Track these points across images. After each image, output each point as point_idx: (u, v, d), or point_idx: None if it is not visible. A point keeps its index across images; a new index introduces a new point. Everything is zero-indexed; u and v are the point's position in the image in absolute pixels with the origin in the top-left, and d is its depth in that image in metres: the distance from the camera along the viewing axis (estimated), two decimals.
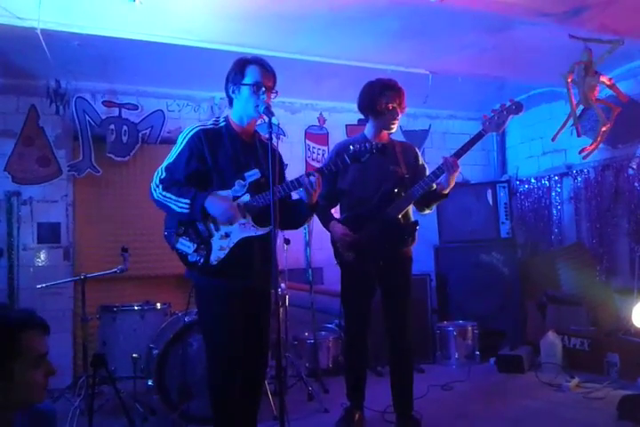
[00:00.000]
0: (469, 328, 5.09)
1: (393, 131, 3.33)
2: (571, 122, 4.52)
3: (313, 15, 3.70)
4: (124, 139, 4.97)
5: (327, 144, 5.73)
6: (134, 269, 4.15)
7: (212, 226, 2.53)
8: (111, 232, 4.89)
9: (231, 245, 2.51)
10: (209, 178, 2.56)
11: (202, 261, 2.50)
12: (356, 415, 3.32)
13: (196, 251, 2.51)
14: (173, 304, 4.17)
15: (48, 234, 4.75)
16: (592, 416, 3.46)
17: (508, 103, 3.07)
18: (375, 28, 3.94)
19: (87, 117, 4.88)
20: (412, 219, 3.32)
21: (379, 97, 3.24)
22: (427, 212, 3.41)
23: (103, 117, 4.95)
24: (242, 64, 2.60)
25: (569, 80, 4.29)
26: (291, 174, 2.76)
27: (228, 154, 2.58)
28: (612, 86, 4.39)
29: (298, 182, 2.53)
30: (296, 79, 4.60)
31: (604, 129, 4.40)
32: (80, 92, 4.87)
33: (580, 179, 5.43)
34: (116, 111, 5.02)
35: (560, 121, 4.67)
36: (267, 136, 2.39)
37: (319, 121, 5.83)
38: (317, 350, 4.62)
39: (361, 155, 2.57)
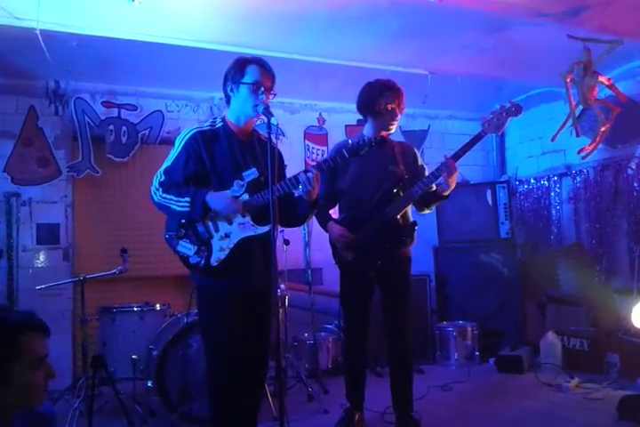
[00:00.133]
0: (469, 329, 5.09)
1: (392, 131, 3.32)
2: (570, 122, 4.52)
3: (312, 15, 3.70)
4: (124, 139, 4.97)
5: (326, 144, 5.73)
6: (134, 270, 4.14)
7: (211, 227, 2.52)
8: (110, 233, 4.88)
9: (231, 245, 2.50)
10: (207, 179, 2.56)
11: (203, 262, 2.50)
12: (356, 416, 3.32)
13: (196, 253, 2.51)
14: (173, 305, 4.17)
15: (47, 235, 4.75)
16: (592, 417, 3.46)
17: (508, 105, 3.06)
18: (374, 29, 3.94)
19: (86, 118, 4.88)
20: (411, 219, 3.32)
21: (378, 98, 3.24)
22: (426, 212, 3.41)
23: (102, 118, 4.94)
24: (242, 63, 2.59)
25: (568, 80, 4.29)
26: (290, 175, 2.74)
27: (226, 155, 2.58)
28: (611, 86, 4.39)
29: (296, 180, 2.52)
30: (295, 79, 4.59)
31: (603, 129, 4.40)
32: (79, 92, 4.87)
33: (579, 179, 5.43)
34: (115, 112, 5.01)
35: (559, 121, 4.67)
36: (266, 135, 2.39)
37: (318, 121, 5.83)
38: (317, 350, 4.62)
39: (359, 148, 2.54)
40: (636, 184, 4.87)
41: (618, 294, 4.88)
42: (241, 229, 2.52)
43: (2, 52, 4.11)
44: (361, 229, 3.19)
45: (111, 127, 4.94)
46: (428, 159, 5.72)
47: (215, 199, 2.46)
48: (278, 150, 2.56)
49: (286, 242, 4.25)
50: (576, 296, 5.06)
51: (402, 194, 3.19)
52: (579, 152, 4.67)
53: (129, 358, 3.63)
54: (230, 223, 2.52)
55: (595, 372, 4.35)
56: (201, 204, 2.44)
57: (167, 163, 2.58)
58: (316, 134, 5.80)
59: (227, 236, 2.51)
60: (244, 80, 2.56)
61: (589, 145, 4.56)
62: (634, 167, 4.88)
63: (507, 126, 3.15)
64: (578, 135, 4.54)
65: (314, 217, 3.19)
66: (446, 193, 3.19)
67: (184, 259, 2.55)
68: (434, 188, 3.20)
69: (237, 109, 2.64)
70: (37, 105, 4.78)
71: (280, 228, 3.56)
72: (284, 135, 5.41)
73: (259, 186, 2.53)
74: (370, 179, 3.27)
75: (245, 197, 2.52)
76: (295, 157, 5.49)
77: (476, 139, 3.08)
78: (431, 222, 5.50)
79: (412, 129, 6.15)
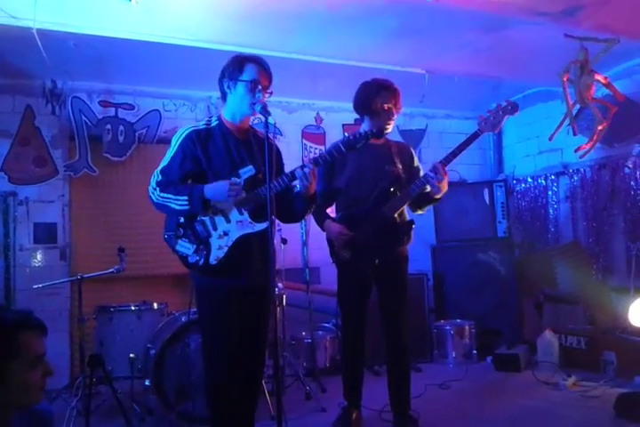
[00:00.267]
0: (466, 327, 5.10)
1: (388, 131, 3.32)
2: (567, 121, 4.53)
3: (310, 14, 3.70)
4: (121, 139, 4.96)
5: (324, 143, 5.73)
6: (131, 270, 4.13)
7: (209, 225, 2.52)
8: (108, 232, 4.87)
9: (230, 243, 2.50)
10: (204, 178, 2.56)
11: (202, 261, 2.50)
12: (354, 414, 3.32)
13: (195, 252, 2.51)
14: (170, 304, 4.17)
15: (44, 234, 4.74)
16: (589, 415, 3.47)
17: (504, 103, 3.07)
18: (372, 28, 3.94)
19: (83, 117, 4.87)
20: (408, 218, 3.33)
21: (374, 97, 3.25)
22: (419, 213, 3.41)
23: (99, 117, 4.94)
24: (240, 60, 2.59)
25: (565, 79, 4.30)
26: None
27: (222, 153, 2.58)
28: (607, 85, 4.40)
29: (292, 175, 2.52)
30: (293, 79, 4.59)
31: (600, 128, 4.41)
32: (76, 91, 4.86)
33: (576, 178, 5.44)
34: (112, 111, 5.01)
35: (556, 120, 4.67)
36: (263, 131, 2.40)
37: (316, 120, 5.83)
38: (315, 349, 4.62)
39: (356, 142, 2.51)
40: (632, 183, 4.87)
41: (615, 292, 4.89)
42: (239, 226, 2.52)
43: None
44: (358, 228, 3.19)
45: (108, 126, 4.93)
46: (426, 158, 5.75)
47: (212, 188, 2.46)
48: (276, 146, 2.55)
49: (284, 241, 4.25)
50: (573, 295, 5.08)
51: (399, 193, 3.19)
52: (576, 150, 4.68)
53: (126, 357, 3.63)
54: (228, 221, 2.52)
55: (592, 370, 4.36)
56: (199, 198, 2.44)
57: (164, 163, 2.58)
58: (313, 133, 5.80)
59: (225, 234, 2.51)
60: (241, 78, 2.56)
61: (587, 143, 4.57)
62: (631, 166, 4.88)
63: (503, 125, 3.15)
64: (575, 134, 4.54)
65: (311, 216, 3.19)
66: (437, 196, 3.20)
67: (183, 258, 2.55)
68: (428, 189, 3.21)
69: (233, 107, 2.63)
70: (34, 104, 4.77)
71: (278, 226, 3.56)
72: (281, 134, 5.42)
73: (256, 183, 2.53)
74: (367, 178, 3.27)
75: (242, 194, 2.52)
76: (293, 156, 5.49)
77: (473, 137, 3.08)
78: (429, 221, 5.51)
79: (409, 128, 6.15)
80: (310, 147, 5.77)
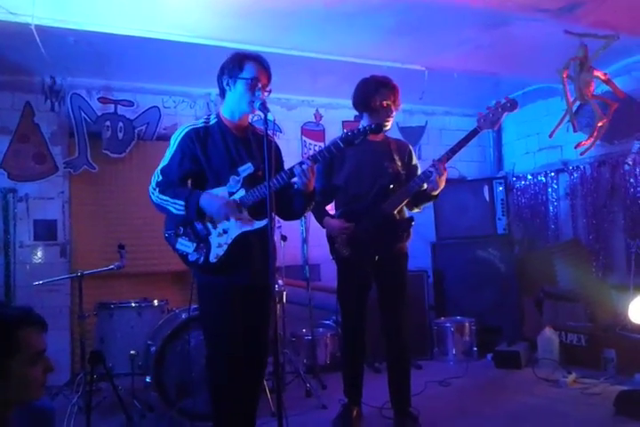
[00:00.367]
0: (467, 324, 5.10)
1: (387, 128, 3.32)
2: (567, 118, 4.52)
3: (308, 11, 3.69)
4: (120, 135, 4.96)
5: (323, 140, 5.73)
6: (131, 266, 4.13)
7: (209, 224, 2.53)
8: (108, 229, 4.87)
9: (229, 241, 2.51)
10: (204, 177, 2.57)
11: (202, 259, 2.50)
12: (354, 411, 3.33)
13: (195, 250, 2.51)
14: (170, 301, 4.16)
15: (44, 231, 4.74)
16: (589, 412, 3.47)
17: (503, 100, 3.07)
18: (371, 24, 3.93)
19: (83, 114, 4.86)
20: (407, 215, 3.33)
21: (373, 94, 3.24)
22: (415, 211, 3.40)
23: (99, 114, 4.93)
24: (240, 58, 2.58)
25: (564, 76, 4.29)
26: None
27: (221, 151, 2.58)
28: (607, 81, 4.39)
29: (291, 172, 2.51)
30: (292, 75, 4.58)
31: (600, 124, 4.41)
32: (75, 88, 4.86)
33: (576, 175, 5.44)
34: (111, 108, 5.00)
35: (556, 117, 4.67)
36: (262, 129, 2.40)
37: (315, 117, 5.82)
38: (315, 346, 4.62)
39: (354, 137, 2.51)
40: (632, 180, 4.87)
41: (615, 289, 4.89)
42: (238, 224, 2.52)
43: None
44: (358, 225, 3.20)
45: (108, 123, 4.93)
46: (426, 155, 5.75)
47: (208, 203, 2.47)
48: (275, 143, 2.55)
49: (284, 238, 4.25)
50: (573, 292, 5.08)
51: (398, 190, 3.19)
52: (576, 147, 4.68)
53: (127, 353, 3.62)
54: (228, 219, 2.52)
55: (592, 367, 4.36)
56: (195, 208, 2.46)
57: (164, 162, 2.59)
58: (313, 130, 5.80)
59: (225, 232, 2.52)
60: (241, 75, 2.55)
61: (587, 140, 4.57)
62: (630, 163, 4.88)
63: (502, 122, 3.16)
64: (575, 131, 4.55)
65: (311, 213, 3.19)
66: (435, 193, 3.20)
67: (183, 257, 2.55)
68: (425, 186, 3.20)
69: (232, 104, 2.63)
70: (33, 101, 4.76)
71: (278, 222, 3.55)
72: (280, 131, 5.41)
73: (255, 180, 2.53)
74: (366, 175, 3.27)
75: (242, 192, 2.52)
76: (292, 152, 5.48)
77: (472, 134, 3.08)
78: (429, 218, 5.51)
79: (409, 125, 6.15)
80: (310, 144, 5.76)
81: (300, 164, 2.51)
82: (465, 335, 5.09)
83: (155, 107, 5.13)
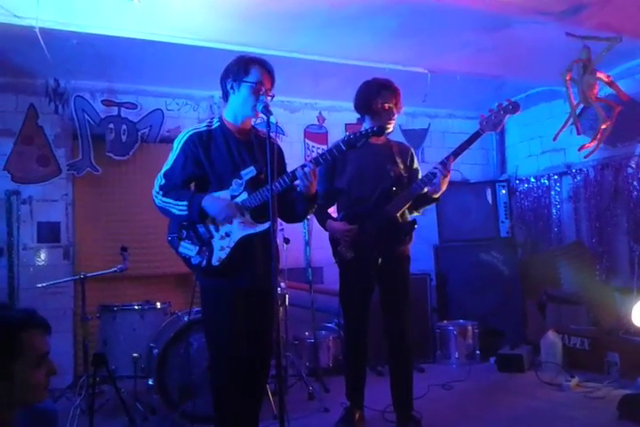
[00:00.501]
0: (469, 327, 5.09)
1: (389, 131, 3.32)
2: (571, 121, 4.52)
3: (311, 13, 3.70)
4: (124, 138, 4.97)
5: (326, 143, 5.73)
6: (134, 269, 4.14)
7: (211, 227, 2.53)
8: (111, 231, 4.88)
9: (232, 244, 2.51)
10: (207, 180, 2.57)
11: (204, 262, 2.50)
12: (356, 415, 3.32)
13: (198, 253, 2.51)
14: (173, 303, 4.17)
15: (48, 233, 4.75)
16: (592, 416, 3.46)
17: (505, 103, 3.07)
18: (374, 27, 3.94)
19: (86, 116, 4.88)
20: (409, 218, 3.33)
21: (375, 97, 3.25)
22: (415, 215, 3.40)
23: (102, 116, 4.94)
24: (246, 62, 2.59)
25: (567, 78, 4.29)
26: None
27: (224, 154, 2.58)
28: (610, 84, 4.39)
29: (293, 175, 2.51)
30: (295, 78, 4.59)
31: (603, 127, 4.40)
32: (79, 91, 4.87)
33: (579, 178, 5.43)
34: (115, 110, 5.01)
35: (559, 120, 4.67)
36: (264, 131, 2.40)
37: (318, 120, 5.83)
38: (317, 349, 4.62)
39: (356, 140, 2.50)
40: (635, 183, 4.87)
41: (618, 292, 4.88)
42: (241, 227, 2.52)
43: (1, 51, 4.10)
44: (361, 227, 3.19)
45: (111, 126, 4.94)
46: (429, 158, 5.75)
47: (211, 205, 2.48)
48: (278, 146, 2.55)
49: (286, 241, 4.25)
50: (576, 295, 5.06)
51: (400, 192, 3.19)
52: (579, 149, 4.67)
53: (130, 356, 3.62)
54: (230, 222, 2.52)
55: (595, 371, 4.35)
56: (197, 209, 2.46)
57: (167, 166, 2.60)
58: (315, 133, 5.80)
59: (227, 235, 2.52)
60: (247, 79, 2.55)
61: (590, 142, 4.56)
62: (634, 166, 4.88)
63: (505, 124, 3.16)
64: (578, 133, 4.54)
65: (313, 216, 3.19)
66: (436, 196, 3.19)
67: (186, 260, 2.56)
68: (425, 190, 3.20)
69: (235, 108, 2.63)
70: (37, 103, 4.77)
71: (280, 225, 3.54)
72: (283, 134, 5.42)
73: (258, 183, 2.53)
74: (368, 177, 3.27)
75: (244, 195, 2.52)
76: (295, 155, 5.48)
77: (475, 136, 3.08)
78: (431, 221, 5.50)
79: (412, 128, 6.15)
80: (313, 146, 5.77)
81: (303, 166, 2.51)
82: (468, 338, 5.07)
83: (158, 109, 5.15)
